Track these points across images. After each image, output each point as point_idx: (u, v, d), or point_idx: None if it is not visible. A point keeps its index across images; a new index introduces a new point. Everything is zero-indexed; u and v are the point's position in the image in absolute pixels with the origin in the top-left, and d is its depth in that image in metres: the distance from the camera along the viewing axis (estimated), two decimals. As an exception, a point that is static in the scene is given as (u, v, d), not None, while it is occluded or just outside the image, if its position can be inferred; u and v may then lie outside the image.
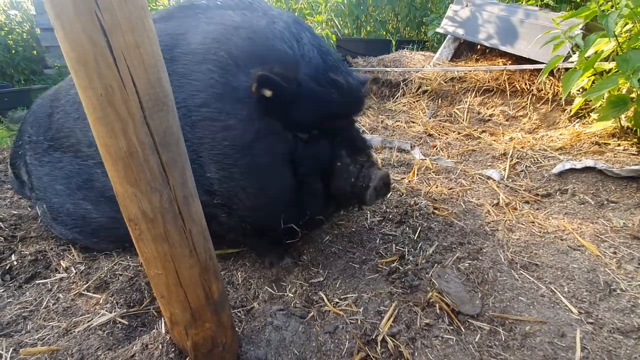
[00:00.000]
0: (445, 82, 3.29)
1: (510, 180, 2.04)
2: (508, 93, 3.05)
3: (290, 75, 1.01)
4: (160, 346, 0.84)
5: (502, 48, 3.15)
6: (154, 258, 0.72)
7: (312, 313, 1.10)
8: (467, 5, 3.37)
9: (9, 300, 1.25)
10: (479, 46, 3.56)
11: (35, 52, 5.71)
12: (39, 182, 1.50)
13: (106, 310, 1.11)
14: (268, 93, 0.96)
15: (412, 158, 2.35)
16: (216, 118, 1.03)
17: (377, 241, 1.51)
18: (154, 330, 0.91)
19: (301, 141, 1.08)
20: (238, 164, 1.04)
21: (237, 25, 1.12)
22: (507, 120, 2.94)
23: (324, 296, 1.19)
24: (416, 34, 5.52)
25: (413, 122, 3.09)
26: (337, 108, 1.09)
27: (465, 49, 3.66)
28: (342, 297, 1.19)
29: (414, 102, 3.40)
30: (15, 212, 1.80)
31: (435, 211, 1.59)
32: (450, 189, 1.87)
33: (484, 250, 1.38)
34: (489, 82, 3.13)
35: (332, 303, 1.16)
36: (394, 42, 4.45)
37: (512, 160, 2.22)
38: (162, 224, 0.69)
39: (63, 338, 1.04)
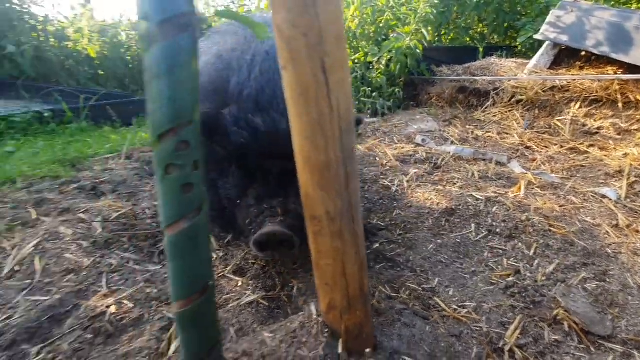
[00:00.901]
0: (544, 92, 3.10)
1: (628, 200, 1.88)
2: (620, 104, 2.78)
3: (211, 113, 1.11)
4: (315, 326, 0.98)
5: (614, 56, 2.88)
6: (327, 251, 0.86)
7: (434, 316, 1.17)
8: (572, 11, 3.15)
9: (165, 276, 1.53)
10: (583, 53, 3.30)
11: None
12: None
13: (250, 292, 1.32)
14: None
15: (510, 171, 2.28)
16: None
17: (485, 254, 1.52)
18: (304, 313, 1.06)
19: (233, 170, 1.17)
20: None
21: (209, 60, 1.28)
22: (618, 134, 2.68)
23: (440, 302, 1.26)
24: (503, 39, 5.25)
25: (506, 134, 2.97)
26: (249, 150, 1.08)
27: (566, 56, 3.41)
28: (459, 304, 1.24)
29: (506, 112, 3.26)
30: (156, 203, 2.18)
31: (551, 228, 1.55)
32: (562, 206, 1.79)
33: (611, 273, 1.31)
34: (597, 92, 2.88)
35: (451, 309, 1.21)
36: (481, 49, 4.30)
37: (629, 178, 2.04)
38: (340, 224, 0.82)
39: (219, 311, 1.25)
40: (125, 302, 1.30)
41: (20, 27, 4.51)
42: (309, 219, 0.85)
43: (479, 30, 5.38)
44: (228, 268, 1.48)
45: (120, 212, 1.88)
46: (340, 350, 0.95)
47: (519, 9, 5.13)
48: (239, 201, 1.17)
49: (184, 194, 0.57)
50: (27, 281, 1.40)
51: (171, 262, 0.62)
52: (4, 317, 1.22)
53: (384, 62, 3.61)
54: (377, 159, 2.52)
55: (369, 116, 3.68)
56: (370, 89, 3.62)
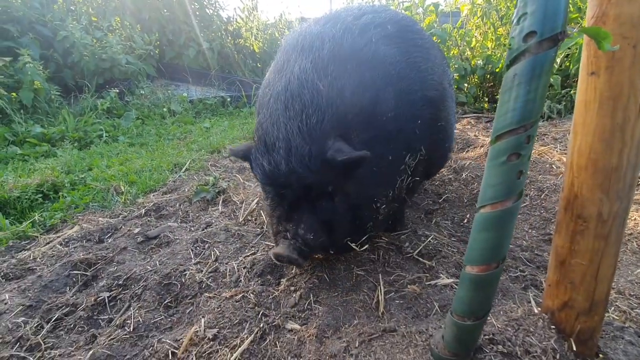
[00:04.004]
0: None
1: None
2: None
3: (244, 147, 1.33)
4: (540, 320, 1.03)
5: None
6: (585, 251, 0.89)
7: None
8: None
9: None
10: None
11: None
12: None
13: (444, 275, 1.43)
14: None
15: None
16: None
17: None
18: (523, 306, 1.12)
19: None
20: None
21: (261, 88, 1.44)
22: None
23: (665, 330, 1.15)
24: None
25: None
26: (263, 183, 1.27)
27: None
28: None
29: None
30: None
31: None
32: None
33: None
34: None
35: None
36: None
37: None
38: (610, 226, 0.85)
39: (416, 285, 1.41)
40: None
41: (211, 28, 5.60)
42: (570, 218, 0.90)
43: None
44: (417, 249, 1.62)
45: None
46: (566, 349, 0.98)
47: None
48: (269, 218, 1.41)
49: (517, 179, 0.69)
50: (258, 229, 1.81)
51: (482, 233, 0.75)
52: (251, 252, 1.62)
53: (558, 60, 3.24)
54: (554, 167, 2.33)
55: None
56: (536, 90, 3.30)
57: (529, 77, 0.65)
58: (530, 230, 1.82)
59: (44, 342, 1.21)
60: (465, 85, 3.93)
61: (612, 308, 1.28)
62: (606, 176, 0.81)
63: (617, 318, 1.24)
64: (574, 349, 0.97)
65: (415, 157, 1.40)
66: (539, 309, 1.08)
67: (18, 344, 1.22)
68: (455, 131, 2.05)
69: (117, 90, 4.03)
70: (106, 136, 3.36)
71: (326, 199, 1.25)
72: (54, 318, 1.31)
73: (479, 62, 3.80)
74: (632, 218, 1.74)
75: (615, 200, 0.82)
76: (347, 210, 1.29)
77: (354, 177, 1.23)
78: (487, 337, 0.99)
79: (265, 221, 1.85)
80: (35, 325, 1.28)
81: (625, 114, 0.75)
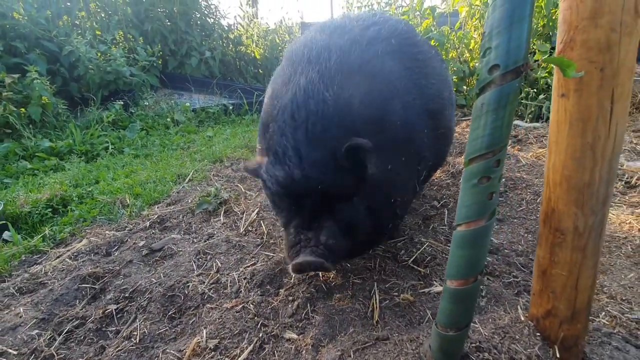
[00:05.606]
0: None
1: None
2: None
3: (251, 164, 1.36)
4: (526, 327, 1.07)
5: None
6: (564, 263, 0.93)
7: (651, 348, 1.11)
8: None
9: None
10: None
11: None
12: None
13: (437, 283, 1.47)
14: None
15: None
16: None
17: None
18: (510, 313, 1.16)
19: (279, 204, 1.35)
20: None
21: (265, 101, 1.48)
22: None
23: (654, 336, 1.17)
24: None
25: None
26: (278, 193, 1.24)
27: None
28: (683, 344, 1.13)
29: None
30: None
31: None
32: None
33: None
34: None
35: (673, 346, 1.12)
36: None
37: None
38: (586, 239, 0.88)
39: (410, 294, 1.45)
40: (329, 269, 1.62)
41: (212, 36, 5.69)
42: (549, 231, 0.93)
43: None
44: (412, 257, 1.66)
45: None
46: (551, 356, 1.01)
47: None
48: (283, 229, 1.38)
49: (488, 200, 0.74)
50: (258, 240, 1.87)
51: (459, 250, 0.80)
52: (251, 263, 1.68)
53: (555, 62, 3.24)
54: (550, 170, 2.34)
55: (528, 121, 3.40)
56: (534, 90, 3.32)
57: (496, 107, 0.69)
58: (526, 235, 1.85)
59: (56, 354, 1.28)
60: (465, 87, 3.94)
61: (603, 313, 1.30)
62: (580, 192, 0.85)
63: (607, 323, 1.27)
64: (558, 356, 1.01)
65: (426, 164, 1.46)
66: (526, 315, 1.12)
67: (33, 355, 1.29)
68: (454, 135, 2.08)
69: (122, 102, 4.13)
70: (112, 148, 3.45)
71: (344, 204, 1.26)
72: (65, 330, 1.38)
73: (477, 64, 3.81)
74: (627, 222, 1.76)
75: (590, 214, 0.86)
76: (365, 216, 1.30)
77: (367, 188, 1.25)
78: (473, 345, 1.03)
79: (266, 232, 1.90)
80: (48, 337, 1.35)
81: (595, 134, 0.79)
